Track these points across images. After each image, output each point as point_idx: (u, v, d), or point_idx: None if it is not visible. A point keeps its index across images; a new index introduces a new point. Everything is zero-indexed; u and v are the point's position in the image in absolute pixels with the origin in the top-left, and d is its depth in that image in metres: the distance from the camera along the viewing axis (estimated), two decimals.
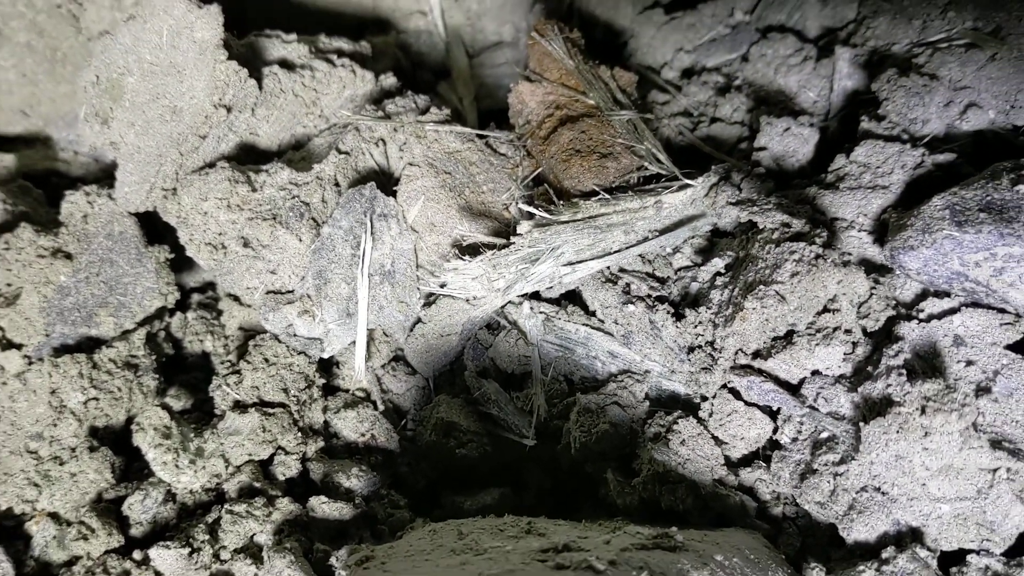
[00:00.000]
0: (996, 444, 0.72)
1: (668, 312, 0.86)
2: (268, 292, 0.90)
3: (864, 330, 0.80)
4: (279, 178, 0.91)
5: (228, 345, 0.96)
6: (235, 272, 0.90)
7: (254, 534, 0.79)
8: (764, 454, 0.82)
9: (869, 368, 0.78)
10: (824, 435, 0.77)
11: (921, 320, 0.79)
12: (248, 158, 0.98)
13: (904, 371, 0.75)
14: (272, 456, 0.86)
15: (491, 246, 0.89)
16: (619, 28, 1.26)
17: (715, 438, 0.82)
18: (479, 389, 0.91)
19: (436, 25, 1.31)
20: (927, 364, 0.77)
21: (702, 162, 1.05)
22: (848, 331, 0.79)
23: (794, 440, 0.79)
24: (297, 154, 0.99)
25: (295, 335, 0.90)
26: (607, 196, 0.88)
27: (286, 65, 0.98)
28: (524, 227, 0.85)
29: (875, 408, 0.74)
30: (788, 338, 0.79)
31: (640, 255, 0.90)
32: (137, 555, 0.79)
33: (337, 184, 0.93)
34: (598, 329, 0.89)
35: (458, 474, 0.90)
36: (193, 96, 0.91)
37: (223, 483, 0.84)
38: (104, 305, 0.91)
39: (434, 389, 0.95)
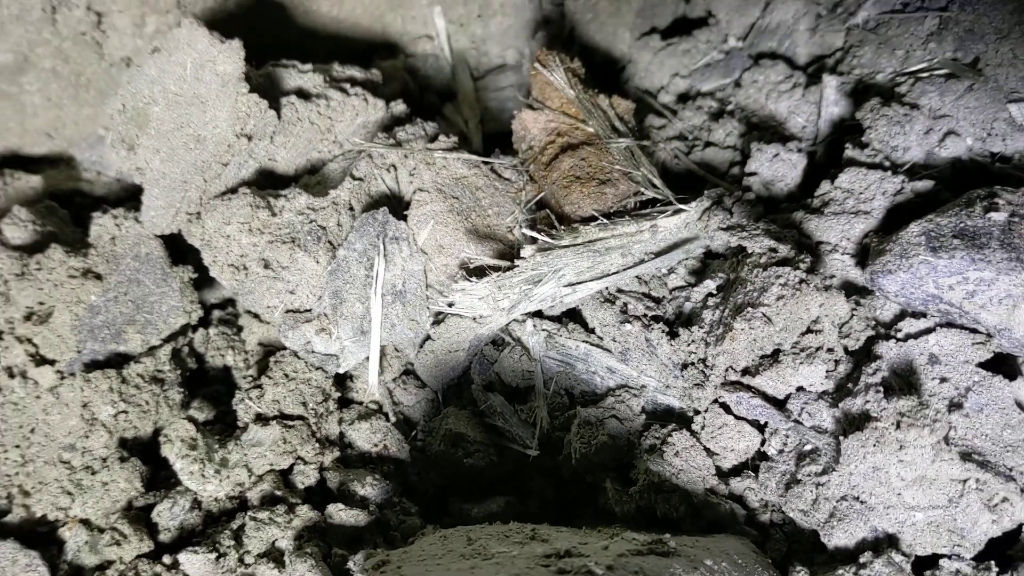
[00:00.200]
0: (966, 456, 0.77)
1: (663, 331, 0.91)
2: (287, 311, 0.96)
3: (845, 349, 0.86)
4: (297, 203, 0.96)
5: (248, 359, 1.01)
6: (256, 292, 0.95)
7: (276, 540, 0.85)
8: (752, 464, 0.87)
9: (849, 385, 0.83)
10: (808, 447, 0.83)
11: (899, 339, 0.85)
12: (267, 182, 1.03)
13: (881, 388, 0.80)
14: (292, 466, 0.91)
15: (496, 268, 0.94)
16: (618, 54, 1.32)
17: (707, 450, 0.87)
18: (485, 402, 0.97)
19: (442, 49, 1.37)
20: (903, 381, 0.82)
21: (697, 185, 1.11)
22: (830, 350, 0.84)
23: (780, 452, 0.85)
24: (313, 178, 1.04)
25: (313, 351, 0.95)
26: (605, 221, 0.93)
27: (302, 94, 1.04)
28: (528, 251, 0.91)
29: (854, 423, 0.80)
30: (774, 357, 0.84)
31: (637, 276, 0.95)
32: (167, 559, 0.85)
33: (351, 208, 0.99)
34: (597, 346, 0.95)
35: (465, 482, 0.95)
36: (216, 126, 0.96)
37: (246, 491, 0.89)
38: (132, 323, 0.97)
39: (443, 402, 1.00)
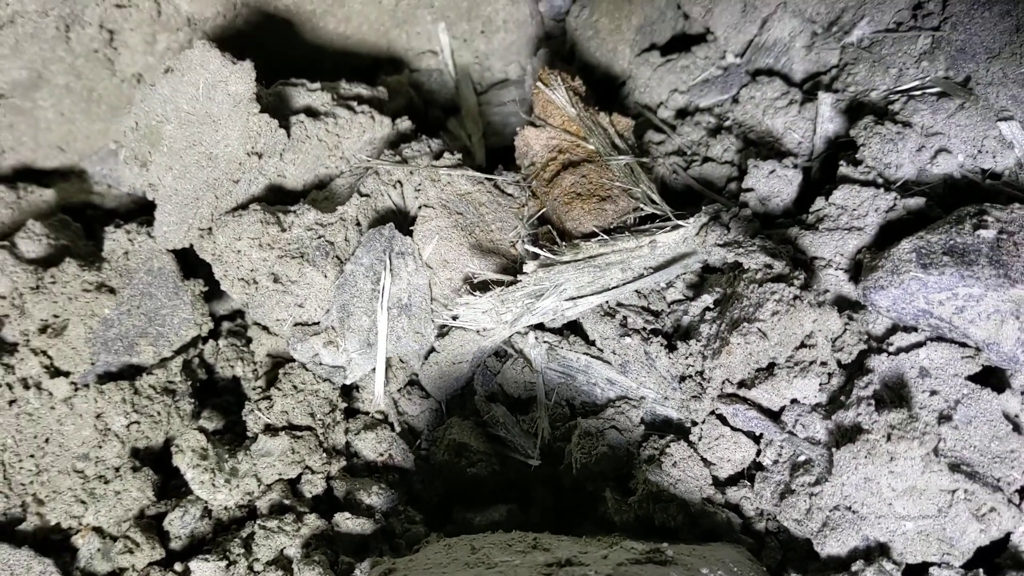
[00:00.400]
0: (955, 468, 0.80)
1: (661, 344, 0.94)
2: (296, 324, 0.98)
3: (839, 362, 0.88)
4: (306, 219, 0.99)
5: (257, 371, 1.04)
6: (266, 305, 0.98)
7: (284, 548, 0.87)
8: (748, 474, 0.90)
9: (842, 398, 0.86)
10: (801, 458, 0.85)
11: (890, 353, 0.87)
12: (275, 198, 1.06)
13: (873, 401, 0.83)
14: (300, 475, 0.94)
15: (499, 282, 0.97)
16: (618, 69, 1.34)
17: (704, 460, 0.90)
18: (488, 412, 0.99)
19: (446, 64, 1.39)
20: (895, 394, 0.85)
21: (695, 200, 1.13)
22: (824, 363, 0.87)
23: (775, 462, 0.87)
24: (320, 194, 1.07)
25: (320, 364, 0.98)
26: (606, 237, 0.96)
27: (311, 113, 1.06)
28: (530, 267, 0.94)
29: (847, 435, 0.82)
30: (769, 370, 0.87)
31: (636, 291, 0.98)
32: (178, 567, 0.87)
33: (359, 224, 1.02)
34: (597, 358, 0.98)
35: (469, 491, 0.98)
36: (227, 144, 0.99)
37: (255, 500, 0.92)
38: (144, 335, 0.99)
39: (446, 412, 1.03)
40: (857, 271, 0.93)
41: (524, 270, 0.94)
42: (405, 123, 1.13)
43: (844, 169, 1.01)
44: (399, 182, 1.05)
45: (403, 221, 1.04)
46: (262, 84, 1.07)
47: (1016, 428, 0.83)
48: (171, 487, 0.97)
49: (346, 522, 0.89)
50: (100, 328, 0.98)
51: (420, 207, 1.02)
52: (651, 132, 1.22)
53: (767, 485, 0.87)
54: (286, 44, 1.31)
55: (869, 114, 1.06)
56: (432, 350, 1.00)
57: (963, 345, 0.86)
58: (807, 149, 1.13)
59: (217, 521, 0.92)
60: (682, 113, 1.25)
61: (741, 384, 0.88)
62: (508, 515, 0.95)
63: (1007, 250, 0.86)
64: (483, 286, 0.97)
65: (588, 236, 0.98)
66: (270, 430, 0.94)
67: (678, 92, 1.26)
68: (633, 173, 1.04)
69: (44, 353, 0.98)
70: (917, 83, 1.08)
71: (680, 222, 0.97)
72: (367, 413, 1.01)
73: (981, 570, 0.79)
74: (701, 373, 0.90)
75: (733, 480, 0.90)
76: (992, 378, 0.87)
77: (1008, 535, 0.81)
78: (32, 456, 0.94)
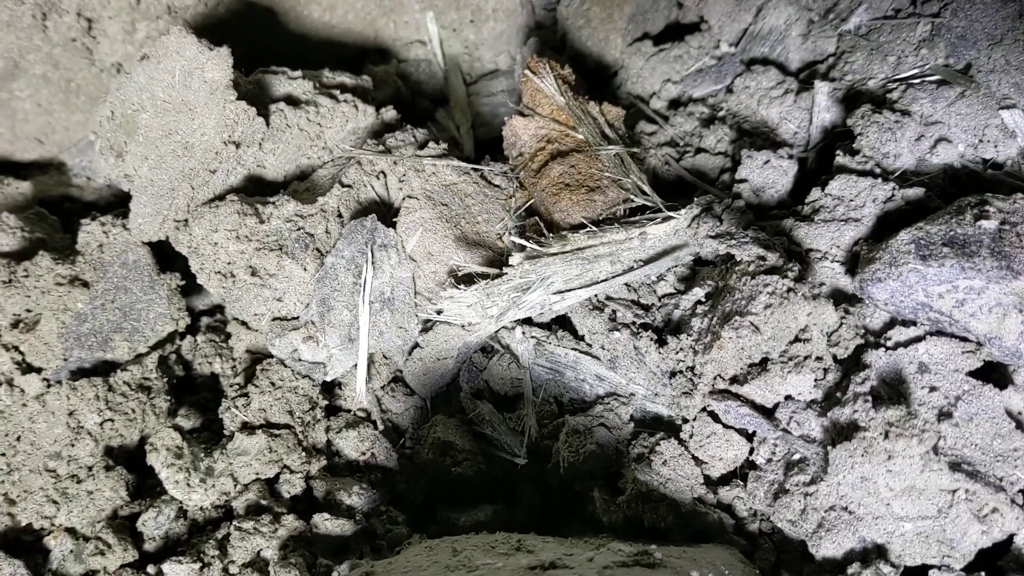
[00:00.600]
0: (955, 466, 0.77)
1: (651, 339, 0.91)
2: (275, 319, 0.95)
3: (835, 357, 0.85)
4: (285, 210, 0.96)
5: (236, 367, 1.01)
6: (243, 299, 0.95)
7: (261, 550, 0.84)
8: (741, 473, 0.87)
9: (838, 394, 0.83)
10: (796, 457, 0.82)
11: (888, 348, 0.84)
12: (255, 189, 1.03)
13: (870, 397, 0.80)
14: (278, 475, 0.91)
15: (485, 275, 0.94)
16: (610, 59, 1.31)
17: (695, 458, 0.87)
18: (474, 410, 0.96)
19: (435, 54, 1.36)
20: (893, 390, 0.82)
21: (688, 191, 1.10)
22: (819, 358, 0.84)
23: (768, 461, 0.84)
24: (302, 184, 1.04)
25: (300, 360, 0.95)
26: (594, 229, 0.93)
27: (291, 101, 1.03)
28: (516, 259, 0.91)
29: (843, 432, 0.79)
30: (763, 365, 0.84)
31: (626, 284, 0.95)
32: (151, 569, 0.84)
33: (340, 215, 0.99)
34: (586, 353, 0.95)
35: (454, 491, 0.95)
36: (204, 133, 0.96)
37: (232, 500, 0.89)
38: (119, 330, 0.96)
39: (431, 409, 1.00)
40: (854, 263, 0.90)
41: (510, 263, 0.91)
42: (390, 113, 1.10)
43: (841, 159, 0.98)
44: (382, 172, 1.02)
45: (387, 213, 1.01)
46: (241, 72, 1.04)
47: (1019, 425, 0.80)
48: (146, 487, 0.94)
49: (325, 523, 0.86)
50: (73, 323, 0.95)
51: (404, 198, 0.99)
52: (643, 123, 1.19)
53: (760, 484, 0.84)
54: (270, 33, 1.28)
55: (867, 103, 1.03)
56: (416, 345, 0.97)
57: (964, 339, 0.83)
58: (803, 139, 1.10)
59: (192, 522, 0.89)
60: (675, 103, 1.22)
61: (733, 380, 0.85)
62: (494, 515, 0.92)
63: (1010, 241, 0.83)
64: (468, 279, 0.94)
65: (576, 228, 0.95)
66: (247, 428, 0.91)
67: (671, 82, 1.23)
68: (623, 163, 1.01)
69: (16, 349, 0.95)
70: (916, 71, 1.05)
71: (671, 213, 0.94)
72: (349, 411, 0.98)
73: (983, 573, 0.76)
74: (692, 368, 0.87)
75: (725, 479, 0.87)
76: (994, 374, 0.84)
77: (1011, 537, 0.79)
78: (3, 454, 0.91)
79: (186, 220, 0.97)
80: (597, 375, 0.94)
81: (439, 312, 0.94)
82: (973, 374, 0.82)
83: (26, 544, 0.90)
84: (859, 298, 0.88)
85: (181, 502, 0.89)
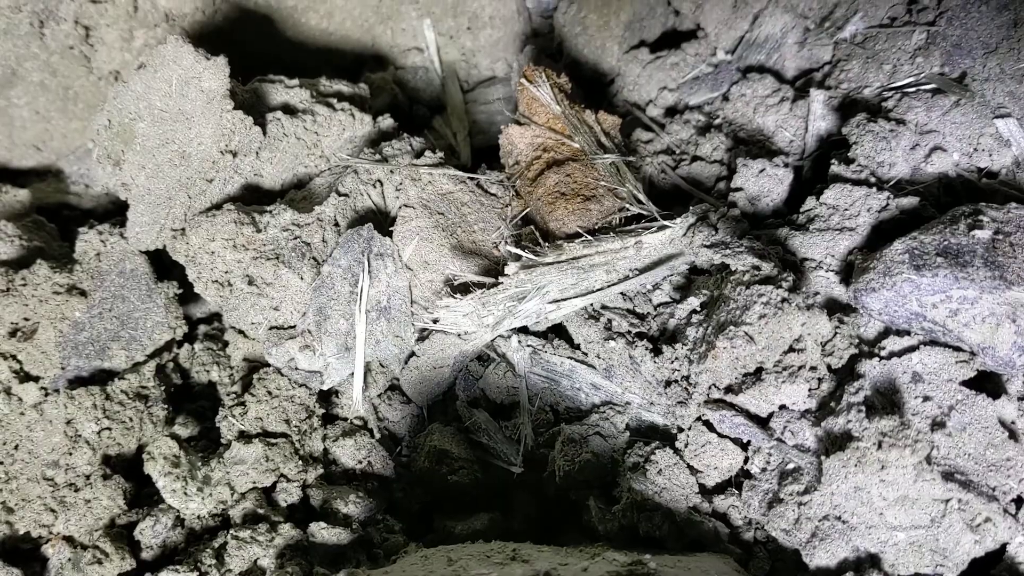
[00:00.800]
0: (948, 476, 0.77)
1: (647, 348, 0.91)
2: (271, 328, 0.95)
3: (829, 367, 0.86)
4: (282, 219, 0.96)
5: (233, 375, 1.01)
6: (240, 308, 0.95)
7: (258, 558, 0.84)
8: (736, 482, 0.87)
9: (832, 404, 0.83)
10: (790, 466, 0.83)
11: (882, 357, 0.84)
12: (252, 197, 1.03)
13: (863, 407, 0.80)
14: (275, 484, 0.91)
15: (481, 285, 0.94)
16: (606, 67, 1.32)
17: (690, 467, 0.87)
18: (470, 418, 0.96)
19: (432, 61, 1.37)
20: (886, 400, 0.82)
21: (684, 199, 1.10)
22: (813, 368, 0.84)
23: (763, 470, 0.84)
24: (299, 193, 1.04)
25: (296, 368, 0.95)
26: (590, 238, 0.93)
27: (288, 110, 1.04)
28: (511, 268, 0.91)
29: (836, 442, 0.80)
30: (757, 375, 0.84)
31: (621, 293, 0.95)
32: None
33: (337, 224, 0.99)
34: (582, 362, 0.95)
35: (450, 499, 0.95)
36: (201, 142, 0.96)
37: (229, 509, 0.89)
38: (116, 339, 0.97)
39: (428, 417, 1.00)
40: (848, 273, 0.91)
41: (505, 272, 0.92)
42: (387, 121, 1.10)
43: (836, 168, 0.99)
44: (379, 181, 1.02)
45: (383, 221, 1.02)
46: (238, 81, 1.04)
47: (1012, 435, 0.80)
48: (144, 495, 0.94)
49: (321, 532, 0.86)
50: (71, 332, 0.96)
51: (400, 207, 0.99)
52: (640, 130, 1.19)
53: (755, 494, 0.84)
54: (267, 41, 1.29)
55: (862, 111, 1.03)
56: (412, 354, 0.97)
57: (957, 349, 0.83)
58: (799, 147, 1.11)
59: (190, 530, 0.90)
60: (671, 111, 1.23)
61: (728, 389, 0.85)
62: (490, 524, 0.92)
63: (1003, 251, 0.83)
64: (464, 288, 0.95)
65: (572, 237, 0.95)
66: (244, 437, 0.92)
67: (667, 90, 1.23)
68: (619, 172, 1.01)
69: (13, 357, 0.95)
70: (911, 80, 1.05)
71: (667, 222, 0.95)
72: (346, 419, 0.99)
73: None
74: (687, 378, 0.88)
75: (720, 488, 0.87)
76: (987, 383, 0.84)
77: (1004, 546, 0.79)
78: (1, 463, 0.92)
79: (183, 229, 0.97)
80: (593, 384, 0.94)
81: (435, 321, 0.95)
82: (967, 384, 0.82)
83: (24, 552, 0.91)
84: (854, 308, 0.88)
85: (178, 511, 0.89)
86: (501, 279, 0.92)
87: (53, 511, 0.90)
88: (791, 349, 0.83)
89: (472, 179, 1.03)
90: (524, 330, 0.98)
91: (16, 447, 0.92)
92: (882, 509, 0.77)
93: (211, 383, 1.02)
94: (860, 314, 0.88)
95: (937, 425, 0.79)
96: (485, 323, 0.93)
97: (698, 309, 0.91)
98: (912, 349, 0.84)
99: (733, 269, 0.89)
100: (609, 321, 0.94)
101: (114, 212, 1.23)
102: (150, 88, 0.97)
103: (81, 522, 0.89)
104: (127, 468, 0.95)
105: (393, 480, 0.96)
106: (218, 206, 0.98)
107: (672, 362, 0.89)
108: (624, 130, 1.18)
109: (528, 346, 0.96)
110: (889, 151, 0.98)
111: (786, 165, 1.06)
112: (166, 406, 0.97)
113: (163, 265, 1.04)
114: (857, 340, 0.87)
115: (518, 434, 0.95)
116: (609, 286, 0.93)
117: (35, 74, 1.19)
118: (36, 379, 0.94)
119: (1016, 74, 1.00)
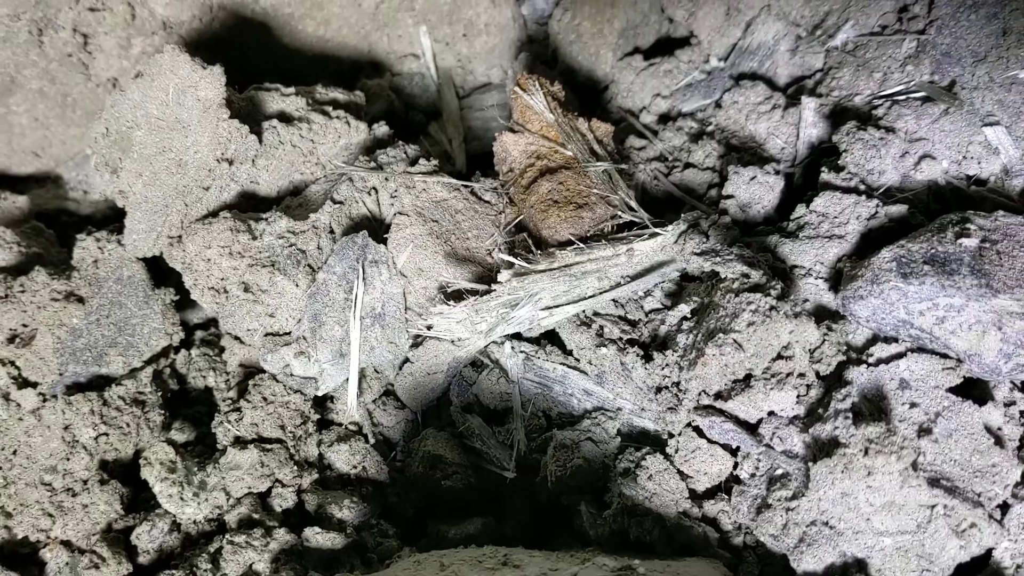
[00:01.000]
0: (934, 482, 0.78)
1: (638, 354, 0.92)
2: (267, 334, 0.96)
3: (817, 374, 0.87)
4: (278, 227, 0.97)
5: (229, 381, 1.02)
6: (236, 315, 0.96)
7: (253, 563, 0.85)
8: (726, 487, 0.88)
9: (820, 410, 0.84)
10: (779, 472, 0.84)
11: (870, 364, 0.85)
12: (248, 205, 1.04)
13: (851, 414, 0.81)
14: (270, 489, 0.92)
15: (474, 292, 0.95)
16: (600, 74, 1.33)
17: (680, 473, 0.88)
18: (464, 424, 0.97)
19: (428, 68, 1.38)
20: (874, 406, 0.83)
21: (676, 207, 1.11)
22: (801, 375, 0.85)
23: (752, 476, 0.85)
24: (295, 200, 1.05)
25: (292, 374, 0.96)
26: (582, 245, 0.94)
27: (284, 118, 1.05)
28: (504, 276, 0.92)
29: (823, 448, 0.81)
30: (746, 381, 0.85)
31: (613, 300, 0.96)
32: None
33: (332, 231, 1.00)
34: (574, 368, 0.96)
35: (444, 504, 0.96)
36: (197, 151, 0.97)
37: (224, 514, 0.90)
38: (114, 345, 0.98)
39: (422, 422, 1.01)
40: (837, 280, 0.92)
41: (498, 279, 0.93)
42: (382, 128, 1.11)
43: (826, 175, 1.00)
44: (374, 188, 1.03)
45: (378, 229, 1.03)
46: (235, 89, 1.05)
47: (998, 442, 0.81)
48: (140, 500, 0.95)
49: (316, 537, 0.87)
50: (68, 338, 0.97)
51: (395, 214, 1.00)
52: (633, 137, 1.20)
53: (744, 499, 0.85)
54: (265, 48, 1.30)
55: (852, 119, 1.04)
56: (407, 360, 0.98)
57: (944, 356, 0.84)
58: (790, 155, 1.12)
59: (186, 535, 0.91)
60: (665, 118, 1.24)
61: (718, 396, 0.86)
62: (483, 528, 0.93)
63: (990, 259, 0.84)
64: (458, 295, 0.96)
65: (564, 244, 0.96)
66: (239, 443, 0.93)
67: (661, 97, 1.24)
68: (611, 180, 1.02)
69: (12, 363, 0.96)
70: (902, 88, 1.06)
71: (658, 230, 0.96)
72: (341, 424, 1.00)
73: None
74: (677, 384, 0.89)
75: (710, 493, 0.88)
76: (974, 390, 0.85)
77: (990, 551, 0.80)
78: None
79: (180, 236, 0.98)
80: (585, 390, 0.95)
81: (429, 327, 0.96)
82: (953, 390, 0.83)
83: (23, 557, 0.92)
84: (842, 315, 0.89)
85: (174, 516, 0.90)
86: (494, 286, 0.93)
87: (51, 516, 0.91)
88: (779, 356, 0.84)
89: (466, 186, 1.04)
90: (517, 336, 0.99)
91: (14, 452, 0.93)
92: (869, 515, 0.78)
93: (207, 389, 1.03)
94: (848, 321, 0.89)
95: (923, 431, 0.80)
96: (478, 329, 0.94)
97: (689, 316, 0.92)
98: (899, 356, 0.85)
99: (723, 276, 0.90)
100: (601, 328, 0.95)
101: (112, 218, 1.24)
102: (147, 96, 0.98)
103: (78, 527, 0.90)
104: (124, 473, 0.96)
105: (388, 485, 0.97)
106: (214, 213, 0.99)
107: (663, 368, 0.90)
108: (618, 137, 1.19)
109: (521, 352, 0.97)
110: (879, 159, 0.99)
111: (777, 172, 1.07)
112: (163, 412, 0.98)
113: (160, 272, 1.05)
114: (845, 347, 0.88)
115: (511, 439, 0.96)
116: (601, 293, 0.94)
117: (34, 81, 1.20)
118: (34, 385, 0.96)
119: (1005, 82, 1.01)
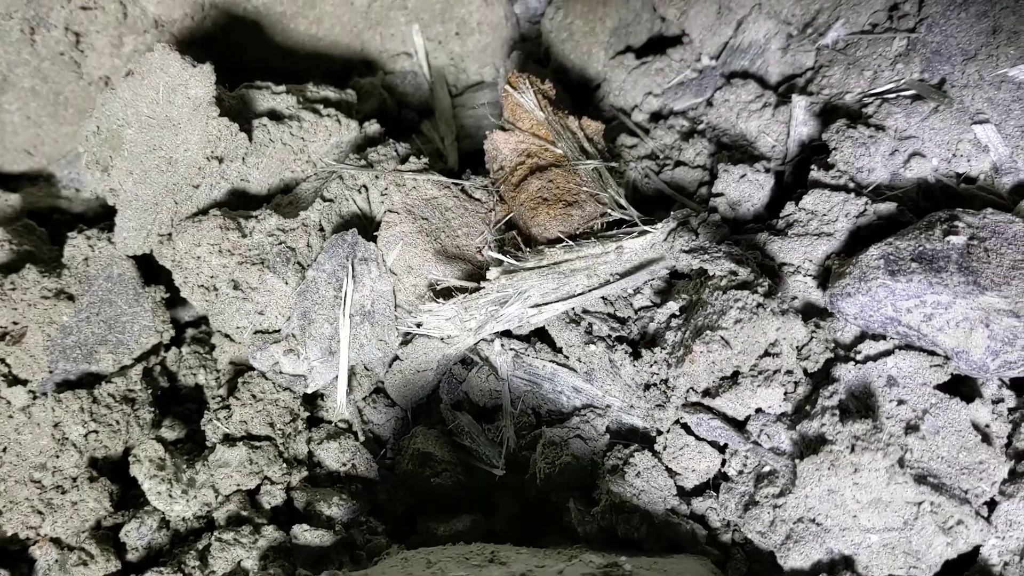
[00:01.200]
0: (921, 479, 0.78)
1: (626, 352, 0.92)
2: (256, 332, 0.97)
3: (805, 371, 0.87)
4: (267, 224, 0.97)
5: (220, 379, 1.02)
6: (226, 313, 0.96)
7: (241, 560, 0.85)
8: (714, 484, 0.88)
9: (807, 407, 0.84)
10: (766, 469, 0.84)
11: (858, 362, 0.86)
12: (239, 203, 1.04)
13: (837, 411, 0.81)
14: (259, 486, 0.92)
15: (464, 289, 0.95)
16: (592, 72, 1.33)
17: (668, 470, 0.88)
18: (453, 421, 0.97)
19: (421, 66, 1.38)
20: (861, 403, 0.83)
21: (667, 205, 1.12)
22: (789, 372, 0.85)
23: (740, 473, 0.85)
24: (285, 198, 1.05)
25: (281, 372, 0.96)
26: (571, 243, 0.94)
27: (275, 116, 1.05)
28: (492, 273, 0.92)
29: (810, 445, 0.81)
30: (734, 379, 0.85)
31: (603, 297, 0.96)
32: None
33: (322, 229, 1.00)
34: (563, 366, 0.96)
35: (434, 501, 0.96)
36: (187, 149, 0.97)
37: (213, 511, 0.90)
38: (104, 343, 0.98)
39: (412, 420, 1.01)
40: (826, 278, 0.92)
41: (487, 277, 0.93)
42: (373, 126, 1.11)
43: (815, 173, 1.00)
44: (364, 186, 1.03)
45: (368, 226, 1.03)
46: (225, 87, 1.05)
47: (985, 438, 0.81)
48: (130, 497, 0.95)
49: (304, 534, 0.87)
50: (58, 336, 0.97)
51: (385, 212, 1.00)
52: (624, 136, 1.21)
53: (732, 496, 0.85)
54: (257, 47, 1.30)
55: (842, 117, 1.04)
56: (396, 358, 0.98)
57: (932, 353, 0.84)
58: (780, 153, 1.12)
59: (175, 532, 0.91)
60: (656, 116, 1.24)
61: (706, 393, 0.86)
62: (473, 525, 0.93)
63: (978, 256, 0.84)
64: (447, 293, 0.96)
65: (553, 242, 0.96)
66: (228, 440, 0.93)
67: (652, 95, 1.25)
68: (601, 178, 1.02)
69: (2, 361, 0.96)
70: (892, 86, 1.07)
71: (647, 228, 0.96)
72: (330, 422, 1.00)
73: None
74: (666, 381, 0.89)
75: (699, 490, 0.88)
76: (962, 387, 0.85)
77: (977, 549, 0.80)
78: None
79: (170, 234, 0.98)
80: (574, 387, 0.95)
81: (419, 325, 0.96)
82: (941, 388, 0.83)
83: (12, 554, 0.92)
84: (830, 312, 0.89)
85: (163, 513, 0.90)
86: (483, 284, 0.93)
87: (40, 513, 0.91)
88: (767, 353, 0.84)
89: (456, 184, 1.04)
90: (507, 334, 0.99)
91: (4, 450, 0.93)
92: (855, 512, 0.78)
93: (198, 386, 1.03)
94: (836, 319, 0.89)
95: (911, 428, 0.80)
96: (467, 327, 0.94)
97: (677, 313, 0.92)
98: (887, 353, 0.85)
99: (711, 274, 0.90)
100: (590, 325, 0.95)
101: (104, 216, 1.24)
102: (138, 95, 0.98)
103: (68, 524, 0.90)
104: (114, 470, 0.96)
105: (377, 482, 0.97)
106: (204, 211, 0.99)
107: (651, 366, 0.90)
108: (609, 135, 1.19)
109: (511, 350, 0.97)
110: (868, 157, 1.00)
111: (767, 170, 1.07)
112: (153, 409, 0.98)
113: (151, 270, 1.05)
114: (833, 344, 0.88)
115: (500, 437, 0.96)
116: (590, 290, 0.94)
117: (26, 80, 1.20)
118: (24, 382, 0.96)
119: (995, 80, 1.01)
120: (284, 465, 0.93)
